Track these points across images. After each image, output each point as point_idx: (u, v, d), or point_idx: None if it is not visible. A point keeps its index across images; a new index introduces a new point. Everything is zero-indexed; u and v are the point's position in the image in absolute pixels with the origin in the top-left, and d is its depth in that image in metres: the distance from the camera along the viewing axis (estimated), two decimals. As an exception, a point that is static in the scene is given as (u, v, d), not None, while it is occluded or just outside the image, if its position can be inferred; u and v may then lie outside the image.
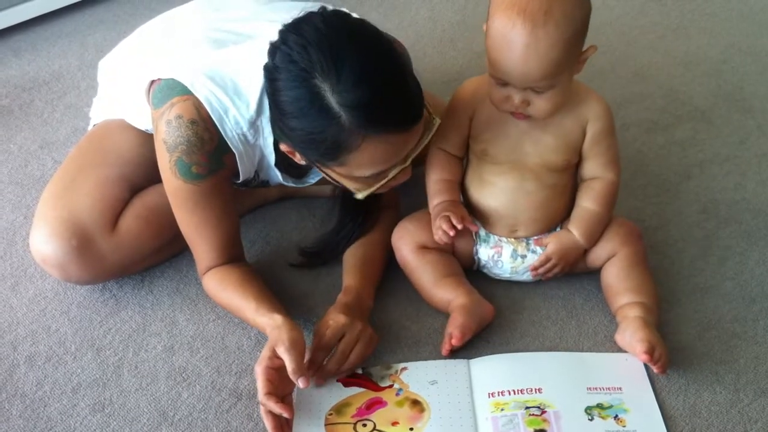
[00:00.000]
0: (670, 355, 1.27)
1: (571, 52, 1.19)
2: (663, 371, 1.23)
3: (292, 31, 1.12)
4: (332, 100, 1.09)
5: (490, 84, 1.25)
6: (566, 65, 1.19)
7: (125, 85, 1.41)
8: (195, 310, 1.41)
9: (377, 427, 1.19)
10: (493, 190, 1.35)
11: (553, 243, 1.34)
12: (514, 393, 1.23)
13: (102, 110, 1.49)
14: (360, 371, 1.28)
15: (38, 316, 1.41)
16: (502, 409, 1.20)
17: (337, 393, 1.24)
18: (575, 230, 1.33)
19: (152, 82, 1.29)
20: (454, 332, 1.27)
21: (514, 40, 1.15)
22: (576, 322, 1.35)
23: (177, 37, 1.38)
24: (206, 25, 1.38)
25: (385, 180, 1.22)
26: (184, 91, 1.23)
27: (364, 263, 1.39)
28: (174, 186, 1.27)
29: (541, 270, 1.35)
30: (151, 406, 1.26)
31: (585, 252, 1.35)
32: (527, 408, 1.20)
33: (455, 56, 2.01)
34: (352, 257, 1.41)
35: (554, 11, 1.14)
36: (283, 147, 1.22)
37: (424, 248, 1.36)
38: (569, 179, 1.36)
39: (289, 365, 1.15)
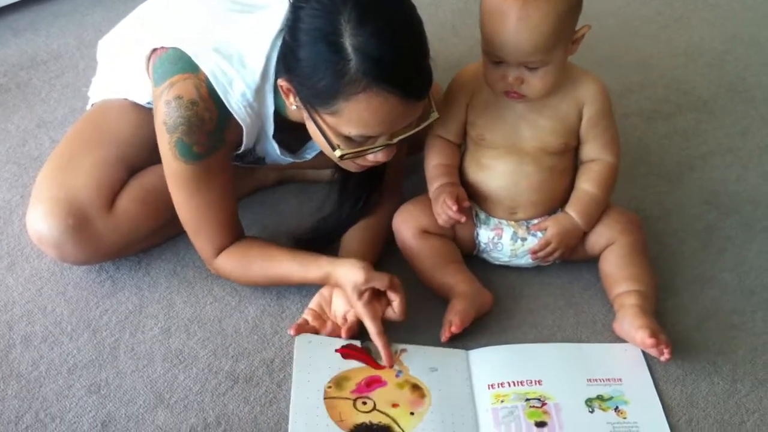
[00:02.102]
0: (669, 346, 1.28)
1: (563, 26, 1.19)
2: (670, 357, 1.22)
3: None
4: (348, 40, 1.08)
5: (485, 64, 1.25)
6: (559, 40, 1.20)
7: (125, 63, 1.39)
8: (192, 292, 1.40)
9: (377, 407, 1.19)
10: (492, 174, 1.35)
11: (552, 226, 1.33)
12: (514, 385, 1.22)
13: (101, 90, 1.48)
14: (359, 344, 1.27)
15: (34, 296, 1.40)
16: (502, 401, 1.20)
17: (335, 364, 1.24)
18: (573, 212, 1.33)
19: (154, 51, 1.27)
20: (453, 320, 1.27)
21: (507, 12, 1.17)
22: (574, 310, 1.35)
23: (180, 11, 1.36)
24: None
25: (367, 149, 1.19)
26: (184, 68, 1.22)
27: (364, 245, 1.38)
28: (174, 168, 1.27)
29: (541, 254, 1.35)
30: (147, 388, 1.26)
31: (584, 237, 1.35)
32: (527, 400, 1.20)
33: (456, 43, 2.00)
34: (351, 240, 1.40)
35: None
36: (281, 82, 1.20)
37: (425, 233, 1.36)
38: (568, 162, 1.36)
39: (382, 284, 1.24)
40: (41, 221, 1.32)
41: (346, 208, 1.42)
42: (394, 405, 1.19)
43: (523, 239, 1.36)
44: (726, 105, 1.78)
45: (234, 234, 1.35)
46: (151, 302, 1.39)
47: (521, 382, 1.23)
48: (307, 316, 1.30)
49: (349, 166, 1.26)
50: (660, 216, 1.52)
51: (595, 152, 1.34)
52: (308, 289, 1.38)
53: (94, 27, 2.07)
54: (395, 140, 1.19)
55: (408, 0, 1.16)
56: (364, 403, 1.19)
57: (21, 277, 1.44)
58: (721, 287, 1.38)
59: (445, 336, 1.28)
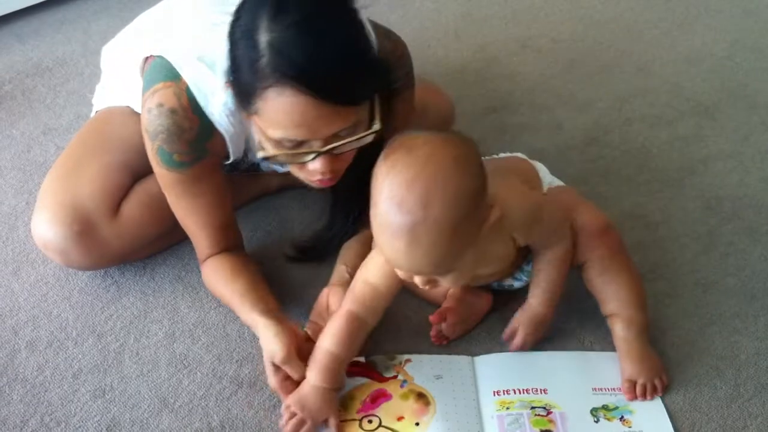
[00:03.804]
0: (672, 351, 1.28)
1: (464, 233, 1.04)
2: (657, 394, 1.22)
3: None
4: (263, 36, 1.04)
5: None
6: (462, 248, 1.05)
7: (127, 71, 1.40)
8: (196, 297, 1.40)
9: (383, 423, 1.19)
10: None
11: (522, 327, 1.27)
12: (520, 392, 1.22)
13: (105, 97, 1.49)
14: (363, 359, 1.27)
15: (39, 301, 1.41)
16: (507, 408, 1.20)
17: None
18: (537, 304, 1.27)
19: (146, 59, 1.28)
20: (432, 317, 1.28)
21: (396, 239, 1.02)
22: (578, 317, 1.35)
23: (173, 18, 1.37)
24: (208, 8, 1.36)
25: (298, 155, 1.13)
26: (167, 77, 1.21)
27: (359, 260, 1.37)
28: (159, 173, 1.27)
29: (516, 347, 1.29)
30: (152, 393, 1.26)
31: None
32: (533, 408, 1.20)
33: (459, 48, 2.01)
34: (348, 252, 1.39)
35: (434, 204, 0.99)
36: (226, 85, 1.17)
37: None
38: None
39: (295, 375, 1.19)
40: (46, 227, 1.33)
41: (338, 223, 1.41)
42: (399, 418, 1.19)
43: (510, 285, 1.35)
44: (728, 110, 1.78)
45: (224, 242, 1.34)
46: (156, 307, 1.39)
47: (527, 390, 1.23)
48: (308, 330, 1.28)
49: (311, 182, 1.21)
50: (662, 221, 1.52)
51: (544, 246, 1.25)
52: (313, 295, 1.38)
53: (100, 34, 2.08)
54: (327, 148, 1.12)
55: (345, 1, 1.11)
56: (370, 422, 1.19)
57: (26, 282, 1.44)
58: (723, 292, 1.39)
59: (432, 336, 1.30)
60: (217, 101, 1.20)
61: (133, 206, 1.38)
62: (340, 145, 1.13)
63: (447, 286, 1.14)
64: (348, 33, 1.09)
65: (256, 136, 1.18)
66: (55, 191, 1.36)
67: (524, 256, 1.29)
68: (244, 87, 1.10)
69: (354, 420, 1.19)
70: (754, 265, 1.43)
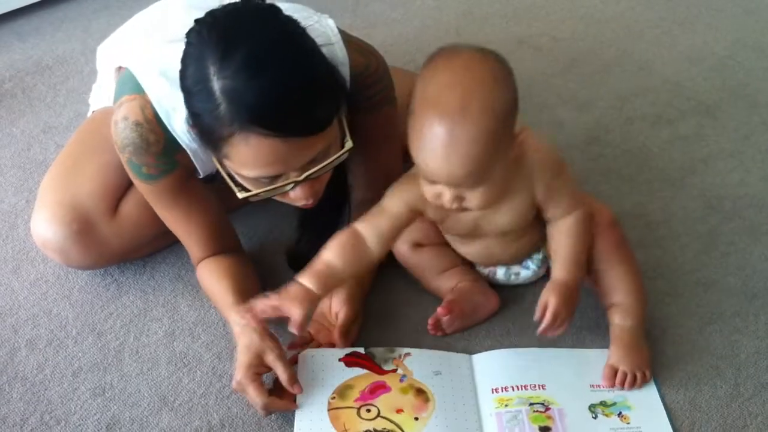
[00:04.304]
0: (672, 350, 1.28)
1: (496, 144, 1.08)
2: (635, 386, 1.22)
3: (209, 13, 1.08)
4: (216, 84, 1.02)
5: (421, 180, 1.15)
6: (493, 159, 1.08)
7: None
8: (196, 296, 1.40)
9: (381, 414, 1.19)
10: (461, 249, 1.34)
11: (552, 298, 1.20)
12: (518, 389, 1.22)
13: (101, 96, 1.48)
14: (362, 351, 1.27)
15: (39, 299, 1.41)
16: (506, 405, 1.20)
17: (339, 374, 1.24)
18: (565, 274, 1.23)
19: (118, 69, 1.27)
20: (440, 309, 1.28)
21: (434, 140, 1.05)
22: (578, 315, 1.33)
23: (163, 25, 1.35)
24: (178, 18, 1.29)
25: (277, 188, 1.13)
26: (132, 89, 1.19)
27: None
28: (136, 183, 1.26)
29: (550, 328, 1.21)
30: (152, 391, 1.26)
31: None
32: (531, 404, 1.20)
33: (460, 47, 2.00)
34: None
35: (472, 106, 1.04)
36: (189, 130, 1.15)
37: (419, 245, 1.35)
38: (535, 218, 1.28)
39: (283, 375, 1.17)
40: (46, 226, 1.33)
41: (306, 233, 1.41)
42: (399, 410, 1.19)
43: (516, 274, 1.36)
44: (729, 109, 1.78)
45: (214, 246, 1.33)
46: (156, 306, 1.39)
47: (525, 387, 1.23)
48: (311, 329, 1.28)
49: (295, 204, 1.20)
50: (663, 220, 1.52)
51: (559, 213, 1.24)
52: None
53: (100, 32, 2.07)
54: (304, 176, 1.11)
55: (288, 25, 1.08)
56: (368, 411, 1.19)
57: (26, 281, 1.45)
58: (724, 291, 1.38)
59: (430, 324, 1.30)
60: (178, 117, 1.17)
61: (131, 205, 1.38)
62: (317, 171, 1.12)
63: (473, 206, 1.14)
64: (298, 62, 1.05)
65: (227, 178, 1.15)
66: (54, 190, 1.36)
67: (534, 243, 1.31)
68: (208, 135, 1.08)
69: (352, 408, 1.19)
70: (754, 264, 1.43)
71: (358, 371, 1.25)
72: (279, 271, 1.42)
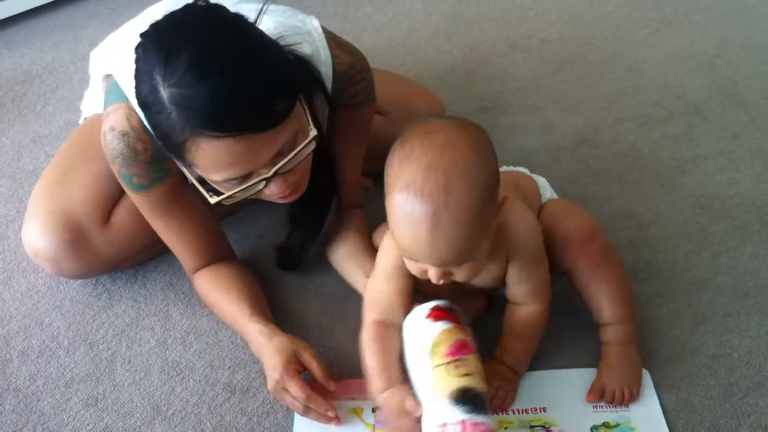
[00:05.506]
0: (664, 350, 1.28)
1: (483, 222, 1.05)
2: (621, 404, 1.21)
3: (153, 24, 1.06)
4: (164, 93, 1.01)
5: (403, 257, 1.11)
6: (480, 237, 1.06)
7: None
8: (188, 304, 1.40)
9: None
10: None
11: (512, 393, 1.22)
12: (519, 413, 1.21)
13: (93, 103, 1.48)
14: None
15: (31, 310, 1.41)
16: (506, 428, 1.19)
17: (428, 332, 1.12)
18: (508, 362, 1.23)
19: (106, 77, 1.26)
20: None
21: (417, 226, 1.01)
22: (579, 332, 1.30)
23: (134, 35, 1.34)
24: None
25: (248, 188, 1.11)
26: (117, 98, 1.19)
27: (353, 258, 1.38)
28: (129, 194, 1.26)
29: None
30: (145, 401, 1.26)
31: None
32: (532, 427, 1.18)
33: (450, 50, 2.01)
34: (344, 263, 1.39)
35: (455, 188, 1.00)
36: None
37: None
38: None
39: (317, 371, 1.19)
40: (37, 236, 1.33)
41: (294, 233, 1.39)
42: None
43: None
44: (718, 109, 1.78)
45: (208, 255, 1.33)
46: (148, 315, 1.39)
47: (525, 411, 1.21)
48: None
49: (277, 199, 1.19)
50: (653, 221, 1.52)
51: (521, 298, 1.22)
52: (304, 301, 1.38)
53: (89, 40, 2.08)
54: (273, 171, 1.09)
55: (228, 21, 1.05)
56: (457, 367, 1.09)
57: (17, 291, 1.44)
58: (715, 290, 1.39)
59: None
60: None
61: (123, 214, 1.37)
62: (285, 164, 1.10)
63: (460, 280, 1.11)
64: (242, 60, 1.02)
65: (198, 184, 1.15)
66: (45, 199, 1.35)
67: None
68: (167, 145, 1.07)
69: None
70: (745, 263, 1.43)
71: (444, 325, 1.12)
72: (270, 277, 1.42)
